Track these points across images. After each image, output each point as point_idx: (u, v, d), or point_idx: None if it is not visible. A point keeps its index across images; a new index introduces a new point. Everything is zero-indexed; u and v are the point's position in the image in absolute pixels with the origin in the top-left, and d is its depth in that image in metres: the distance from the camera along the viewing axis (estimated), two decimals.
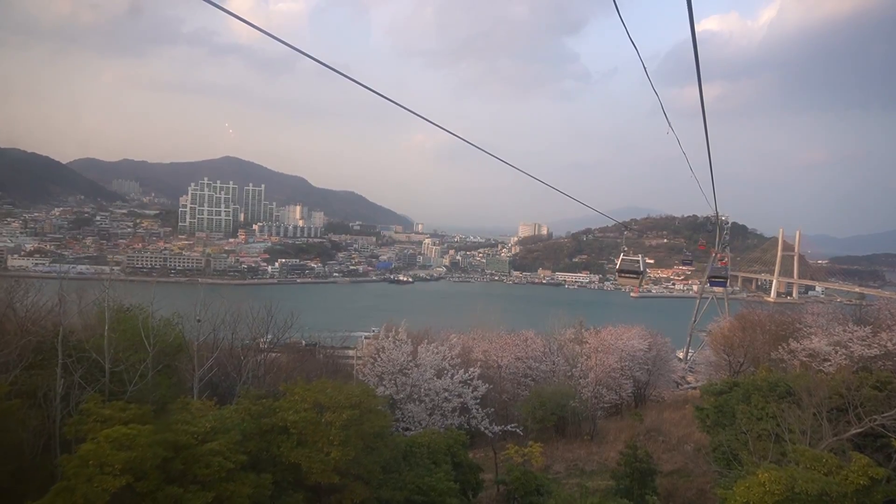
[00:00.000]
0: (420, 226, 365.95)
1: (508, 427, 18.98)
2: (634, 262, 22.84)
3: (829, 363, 22.68)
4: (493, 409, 19.67)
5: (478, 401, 18.89)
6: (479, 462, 23.22)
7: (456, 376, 18.39)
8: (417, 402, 18.09)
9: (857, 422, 12.88)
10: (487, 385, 19.42)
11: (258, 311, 16.12)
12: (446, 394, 18.19)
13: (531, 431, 23.48)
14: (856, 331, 23.78)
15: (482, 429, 18.86)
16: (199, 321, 13.79)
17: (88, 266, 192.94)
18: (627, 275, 22.92)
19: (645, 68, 8.69)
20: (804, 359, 23.76)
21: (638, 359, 31.44)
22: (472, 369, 18.90)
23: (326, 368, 22.47)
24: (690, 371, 53.66)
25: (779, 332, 27.67)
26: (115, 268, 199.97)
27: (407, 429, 17.49)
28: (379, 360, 18.81)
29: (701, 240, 75.55)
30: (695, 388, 41.56)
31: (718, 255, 56.26)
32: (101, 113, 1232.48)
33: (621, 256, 22.97)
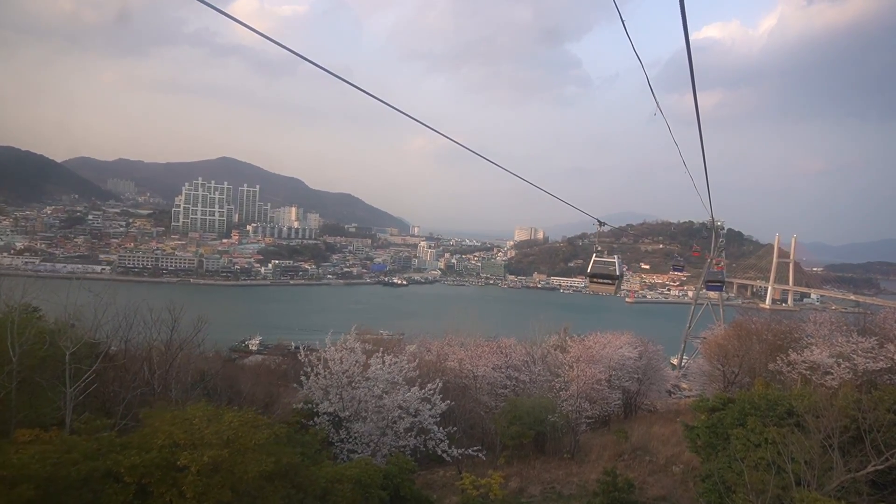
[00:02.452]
0: (416, 229, 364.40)
1: (469, 451, 16.67)
2: (609, 265, 19.30)
3: (831, 377, 20.87)
4: (455, 428, 17.34)
5: (437, 419, 16.62)
6: (445, 482, 21.14)
7: (409, 394, 16.14)
8: (366, 421, 15.85)
9: (876, 455, 10.72)
10: (449, 402, 17.11)
11: (159, 313, 13.80)
12: (399, 412, 15.94)
13: (505, 448, 21.33)
14: (860, 342, 21.92)
15: (439, 452, 16.60)
16: (73, 325, 11.55)
17: (79, 265, 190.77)
18: (601, 280, 19.30)
19: (646, 74, 8.51)
20: (804, 371, 21.93)
21: (627, 368, 29.26)
22: (429, 385, 16.61)
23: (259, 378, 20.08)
24: (684, 378, 51.97)
25: (776, 342, 25.76)
26: (106, 267, 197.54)
27: (353, 451, 15.29)
28: (324, 371, 16.61)
29: (695, 245, 73.52)
30: (689, 395, 39.84)
31: (715, 260, 54.98)
32: (99, 112, 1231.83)
33: (594, 258, 19.54)
